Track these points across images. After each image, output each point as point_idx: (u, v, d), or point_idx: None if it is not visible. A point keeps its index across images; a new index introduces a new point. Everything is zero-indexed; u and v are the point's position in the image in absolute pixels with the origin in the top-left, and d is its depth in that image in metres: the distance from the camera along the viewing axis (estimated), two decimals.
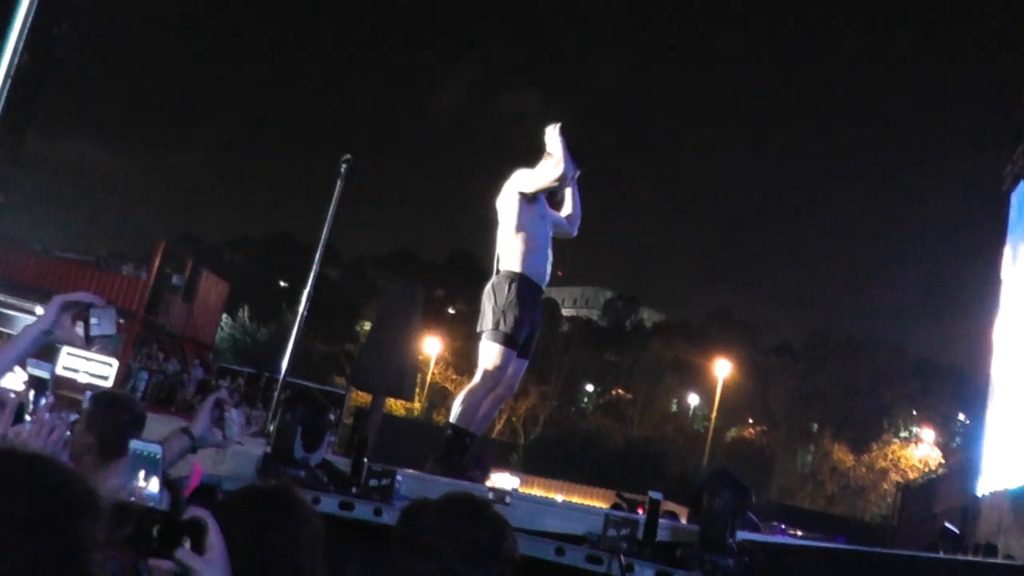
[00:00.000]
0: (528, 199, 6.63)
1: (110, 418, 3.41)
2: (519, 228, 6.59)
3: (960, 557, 5.44)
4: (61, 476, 1.31)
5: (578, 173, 7.04)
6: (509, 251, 6.60)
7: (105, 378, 19.42)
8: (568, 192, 7.13)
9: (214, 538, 1.79)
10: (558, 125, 6.73)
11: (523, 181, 6.67)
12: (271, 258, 66.80)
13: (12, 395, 2.74)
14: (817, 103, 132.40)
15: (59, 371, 16.19)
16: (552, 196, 6.95)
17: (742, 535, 4.74)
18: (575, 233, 7.18)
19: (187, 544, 1.78)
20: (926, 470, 39.05)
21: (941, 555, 5.35)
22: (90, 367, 19.24)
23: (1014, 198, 10.52)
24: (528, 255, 6.59)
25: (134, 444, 2.11)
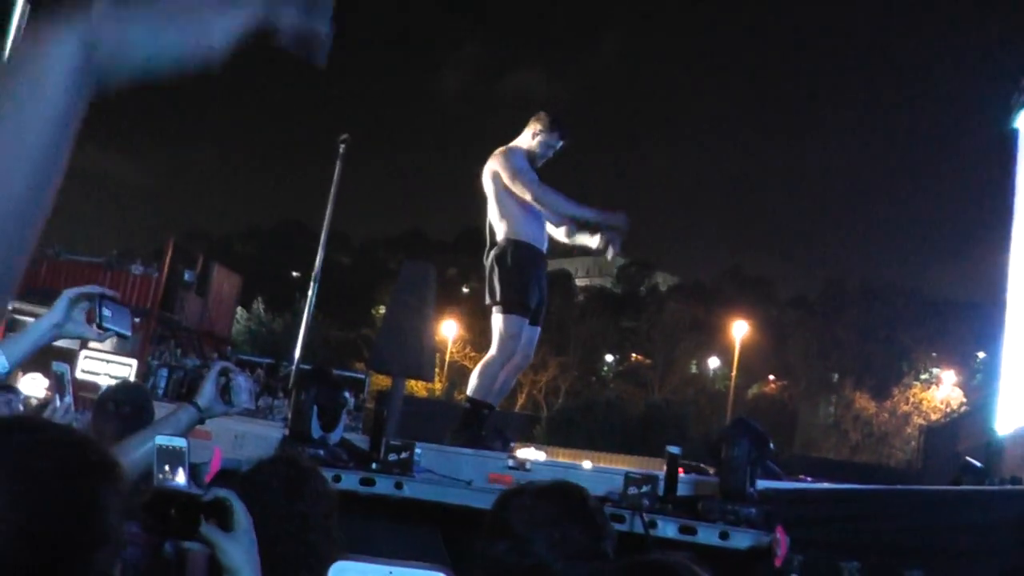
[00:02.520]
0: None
1: (125, 407, 3.45)
2: (508, 196, 6.56)
3: (985, 487, 5.42)
4: (81, 438, 1.35)
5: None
6: (503, 220, 6.58)
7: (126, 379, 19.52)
8: (583, 239, 6.95)
9: (240, 516, 1.80)
10: (623, 219, 6.67)
11: (502, 169, 6.58)
12: (281, 248, 66.99)
13: (34, 400, 2.75)
14: (819, 44, 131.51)
15: (79, 374, 16.26)
16: (534, 163, 6.87)
17: (763, 484, 4.75)
18: (552, 221, 6.89)
19: (212, 523, 1.79)
20: (948, 411, 38.94)
21: (965, 488, 5.34)
22: (110, 368, 19.35)
23: (1022, 127, 10.41)
24: (522, 221, 6.57)
25: (159, 438, 2.13)
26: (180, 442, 2.11)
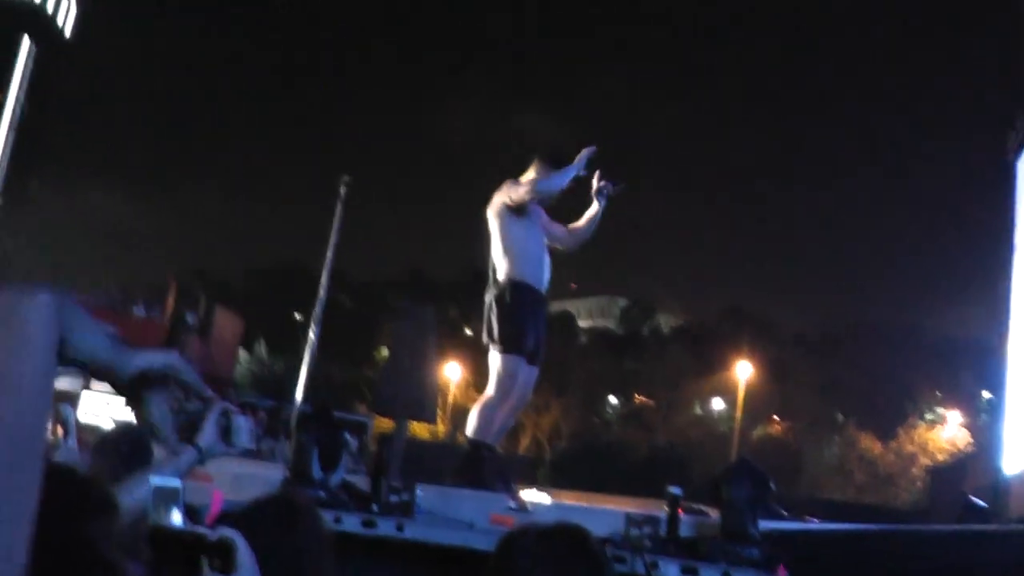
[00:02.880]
0: (515, 209, 6.63)
1: (124, 449, 3.44)
2: (510, 236, 6.61)
3: (991, 527, 5.40)
4: (77, 473, 1.37)
5: (609, 185, 6.98)
6: (504, 260, 6.61)
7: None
8: (592, 209, 7.10)
9: (244, 557, 1.79)
10: (591, 148, 6.79)
11: (505, 192, 6.67)
12: (283, 289, 66.86)
13: None
14: (815, 83, 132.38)
15: (81, 417, 16.18)
16: (542, 201, 6.91)
17: (766, 524, 4.73)
18: (573, 247, 7.11)
19: (215, 563, 1.78)
20: (955, 451, 38.77)
21: (971, 527, 5.31)
22: (112, 411, 19.27)
23: (1020, 165, 10.45)
24: (523, 262, 6.61)
25: (155, 479, 2.13)
26: (175, 483, 2.12)
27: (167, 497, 2.08)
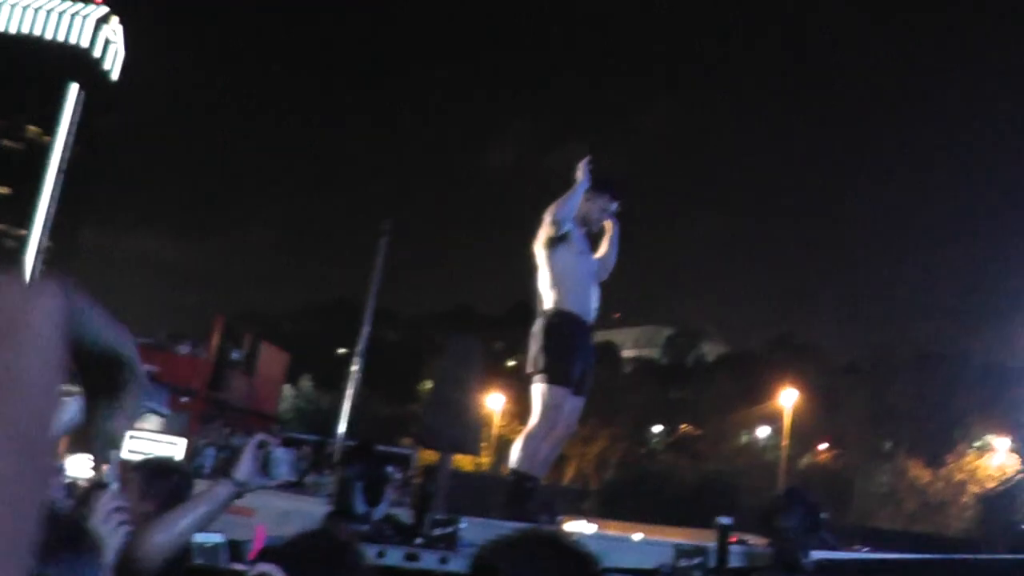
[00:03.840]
0: (556, 238, 6.54)
1: (163, 483, 3.42)
2: (556, 266, 6.53)
3: None
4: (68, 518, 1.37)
5: (613, 206, 6.94)
6: (550, 290, 6.53)
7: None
8: (607, 231, 7.03)
9: None
10: (585, 159, 6.67)
11: (542, 225, 6.61)
12: (330, 325, 67.27)
13: (82, 482, 2.74)
14: (865, 108, 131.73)
15: (125, 455, 16.18)
16: (589, 229, 6.87)
17: (817, 554, 4.62)
18: (604, 275, 7.01)
19: None
20: (1005, 478, 38.10)
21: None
22: (157, 448, 19.33)
23: None
24: (570, 291, 6.52)
25: (197, 536, 2.10)
26: (217, 538, 2.09)
27: (207, 555, 2.05)
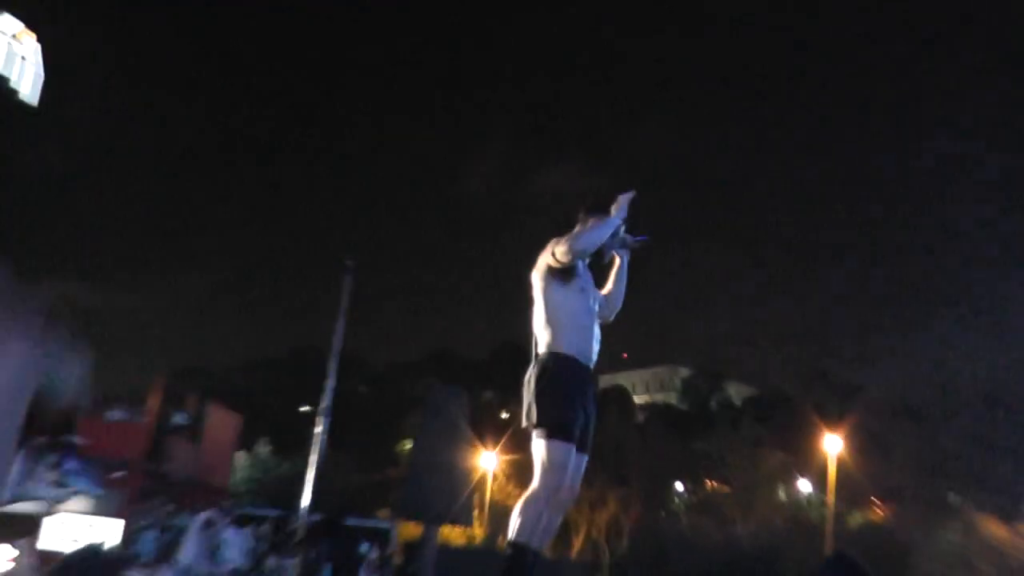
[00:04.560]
0: (560, 271, 6.54)
1: None
2: (554, 303, 6.52)
3: None
4: None
5: (633, 239, 6.97)
6: (547, 330, 6.51)
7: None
8: (614, 264, 7.07)
9: None
10: (630, 193, 6.72)
11: (547, 251, 6.55)
12: (290, 380, 67.14)
13: None
14: (895, 147, 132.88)
15: (46, 543, 15.35)
16: (599, 261, 6.91)
17: None
18: (609, 316, 7.06)
19: None
20: None
21: None
22: (87, 534, 19.06)
23: None
24: (569, 332, 6.50)
25: None
26: None
27: None
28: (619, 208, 6.67)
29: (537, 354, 6.54)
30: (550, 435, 6.24)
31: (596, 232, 6.58)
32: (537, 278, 6.59)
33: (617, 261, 7.05)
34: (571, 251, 6.41)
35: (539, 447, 6.28)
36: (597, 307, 6.81)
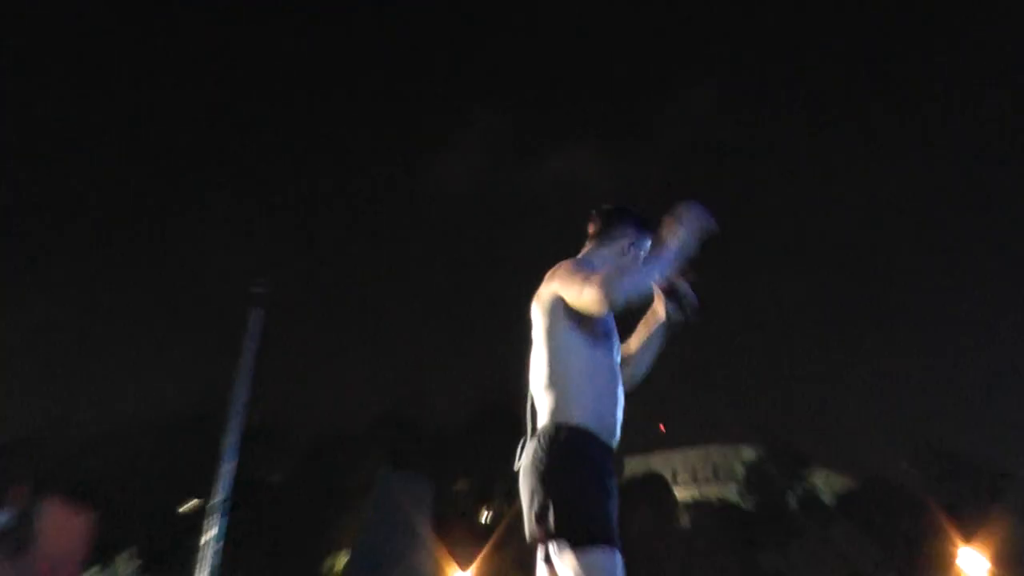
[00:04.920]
0: (583, 313, 6.34)
1: None
2: (565, 351, 6.33)
3: None
4: None
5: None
6: (552, 393, 6.26)
7: None
8: (652, 320, 7.01)
9: None
10: (697, 208, 6.54)
11: (566, 283, 6.38)
12: (168, 461, 66.70)
13: None
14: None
15: None
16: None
17: None
18: (636, 379, 6.97)
19: None
20: None
21: None
22: None
23: None
24: (585, 395, 6.27)
25: None
26: None
27: None
28: (682, 234, 6.47)
29: (535, 427, 6.35)
30: (586, 541, 5.90)
31: (648, 275, 6.43)
32: (541, 314, 6.45)
33: (660, 316, 6.98)
34: (607, 299, 6.21)
35: (570, 563, 5.91)
36: (619, 359, 6.65)
